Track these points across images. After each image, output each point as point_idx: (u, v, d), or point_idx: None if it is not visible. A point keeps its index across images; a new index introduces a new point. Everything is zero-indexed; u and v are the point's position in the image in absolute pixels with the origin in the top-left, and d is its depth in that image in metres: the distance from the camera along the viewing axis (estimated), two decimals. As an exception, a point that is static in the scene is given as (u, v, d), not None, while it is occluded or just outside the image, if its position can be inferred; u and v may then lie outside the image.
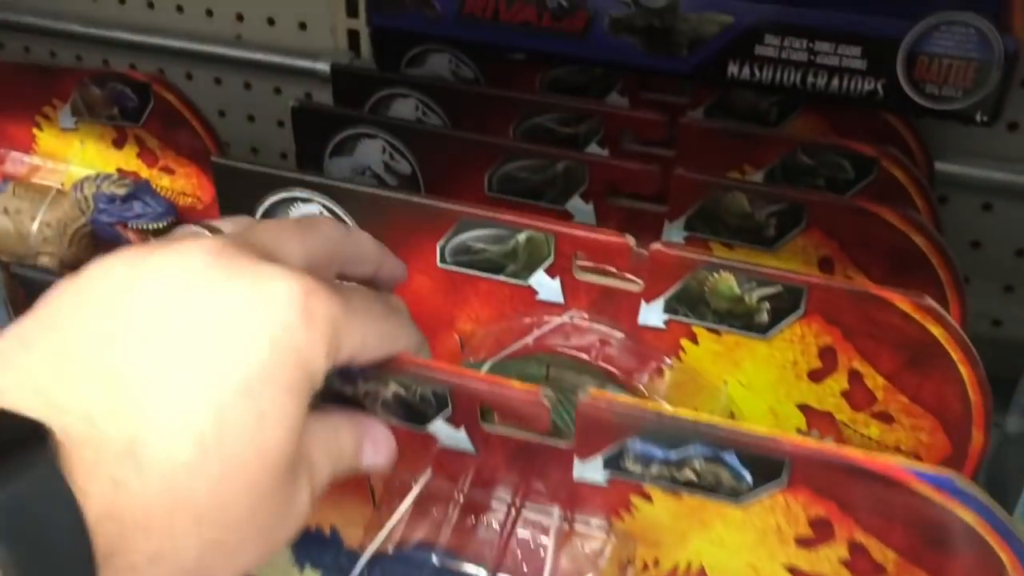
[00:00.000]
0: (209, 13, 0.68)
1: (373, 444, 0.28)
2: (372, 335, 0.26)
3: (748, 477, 0.27)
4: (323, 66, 0.63)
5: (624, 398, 0.29)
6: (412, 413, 0.30)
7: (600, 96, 0.55)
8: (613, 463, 0.29)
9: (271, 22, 0.66)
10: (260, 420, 0.22)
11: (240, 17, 0.67)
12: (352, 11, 0.62)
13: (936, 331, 0.34)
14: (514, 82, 0.55)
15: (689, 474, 0.28)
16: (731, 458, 0.27)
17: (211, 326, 0.22)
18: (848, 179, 0.46)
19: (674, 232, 0.41)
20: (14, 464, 0.18)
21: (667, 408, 0.29)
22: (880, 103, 0.47)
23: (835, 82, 0.48)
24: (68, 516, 0.18)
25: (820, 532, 0.28)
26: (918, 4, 0.48)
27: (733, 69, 0.49)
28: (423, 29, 0.54)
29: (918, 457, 0.37)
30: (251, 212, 0.42)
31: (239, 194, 0.41)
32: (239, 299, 0.22)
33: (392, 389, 0.30)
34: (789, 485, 0.27)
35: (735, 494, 0.28)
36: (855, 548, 0.28)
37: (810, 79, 0.48)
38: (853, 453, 0.26)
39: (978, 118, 0.46)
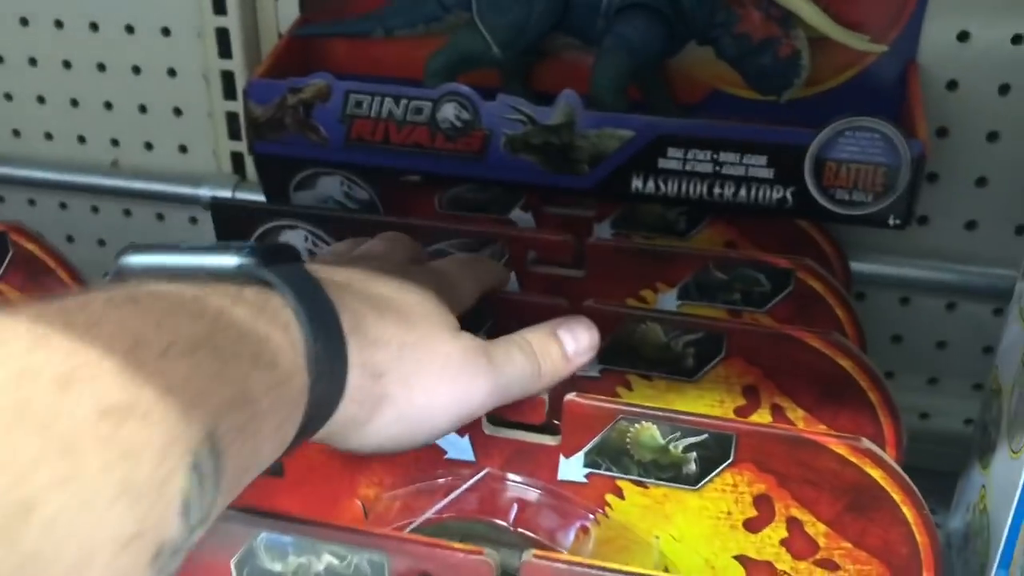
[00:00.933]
0: (82, 139, 0.64)
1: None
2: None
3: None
4: (206, 192, 0.59)
5: (566, 557, 0.29)
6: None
7: (503, 212, 0.52)
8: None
9: (149, 147, 0.62)
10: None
11: (115, 142, 0.63)
12: (234, 134, 0.58)
13: (875, 473, 0.32)
14: (412, 201, 0.52)
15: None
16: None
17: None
18: (764, 292, 0.44)
19: (589, 366, 0.38)
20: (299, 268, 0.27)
21: (610, 565, 0.28)
22: (790, 211, 0.46)
23: (743, 192, 0.46)
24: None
25: None
26: (820, 112, 0.47)
27: (637, 183, 0.47)
28: (309, 154, 0.50)
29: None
30: None
31: None
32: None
33: (324, 561, 0.29)
34: None
35: None
36: None
37: (717, 190, 0.46)
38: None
39: (891, 222, 0.45)
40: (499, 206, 0.52)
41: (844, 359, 0.35)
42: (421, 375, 0.29)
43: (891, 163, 0.44)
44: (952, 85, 0.49)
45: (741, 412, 0.36)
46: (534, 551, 0.29)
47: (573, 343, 0.34)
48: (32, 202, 0.67)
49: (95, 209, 0.66)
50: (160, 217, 0.65)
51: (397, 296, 0.30)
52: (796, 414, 0.35)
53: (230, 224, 0.48)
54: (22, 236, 0.46)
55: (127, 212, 0.65)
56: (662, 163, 0.46)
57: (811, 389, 0.35)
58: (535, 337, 0.33)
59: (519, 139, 0.47)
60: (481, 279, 0.38)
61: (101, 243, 0.67)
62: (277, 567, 0.30)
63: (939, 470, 0.46)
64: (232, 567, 0.31)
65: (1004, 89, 0.48)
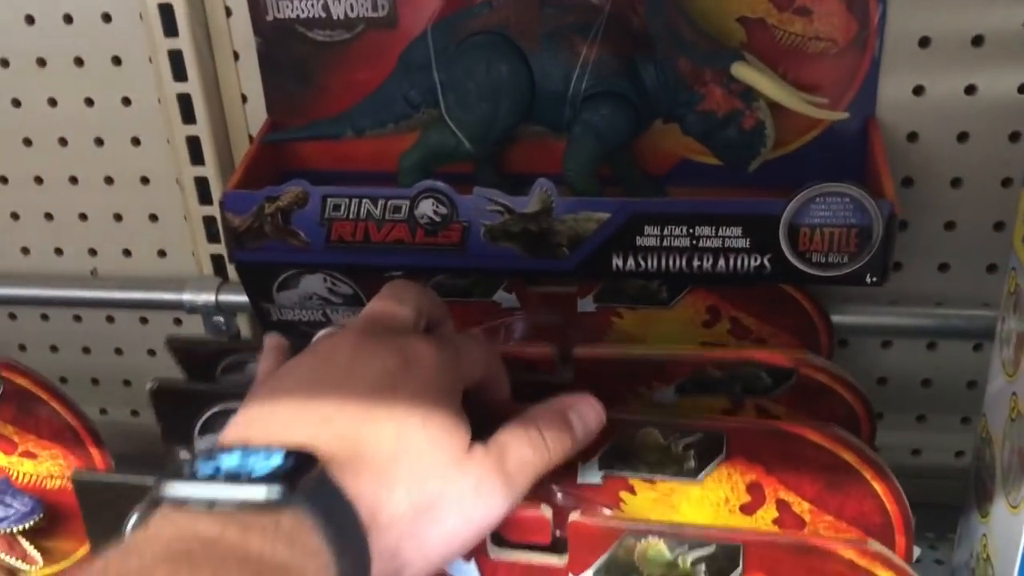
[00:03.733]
0: (59, 252, 0.64)
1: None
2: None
3: None
4: (189, 296, 0.59)
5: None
6: None
7: (487, 295, 0.53)
8: None
9: (127, 253, 0.62)
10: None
11: (93, 252, 0.63)
12: (213, 237, 0.59)
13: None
14: (395, 293, 0.53)
15: None
16: None
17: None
18: (766, 386, 0.45)
19: (589, 473, 0.38)
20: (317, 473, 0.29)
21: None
22: (769, 277, 0.47)
23: (721, 262, 0.47)
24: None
25: None
26: (787, 173, 0.49)
27: (617, 262, 0.48)
28: (291, 259, 0.51)
29: None
30: (118, 524, 0.38)
31: (104, 509, 0.37)
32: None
33: None
34: None
35: None
36: None
37: (695, 262, 0.47)
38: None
39: (868, 280, 0.46)
40: (482, 289, 0.53)
41: (846, 452, 0.35)
42: (436, 532, 0.30)
43: (863, 224, 0.45)
44: (912, 137, 0.50)
45: (746, 509, 0.36)
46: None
47: (582, 428, 0.36)
48: (13, 316, 0.67)
49: (77, 318, 0.66)
50: (144, 321, 0.65)
51: (406, 444, 0.31)
52: (802, 507, 0.36)
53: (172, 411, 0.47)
54: (13, 371, 0.46)
55: (110, 319, 0.65)
56: (640, 240, 0.47)
57: (815, 482, 0.35)
58: (546, 423, 0.35)
59: (498, 228, 0.48)
60: (488, 352, 0.40)
61: (86, 350, 0.67)
62: None
63: (936, 502, 0.47)
64: None
65: (963, 137, 0.50)
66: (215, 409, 0.43)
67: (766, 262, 0.46)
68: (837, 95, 0.49)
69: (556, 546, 0.36)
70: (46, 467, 0.48)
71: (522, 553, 0.35)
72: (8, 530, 0.45)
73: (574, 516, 0.33)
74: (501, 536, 0.35)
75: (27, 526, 0.45)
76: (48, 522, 0.47)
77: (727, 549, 0.32)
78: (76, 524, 0.46)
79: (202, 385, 0.46)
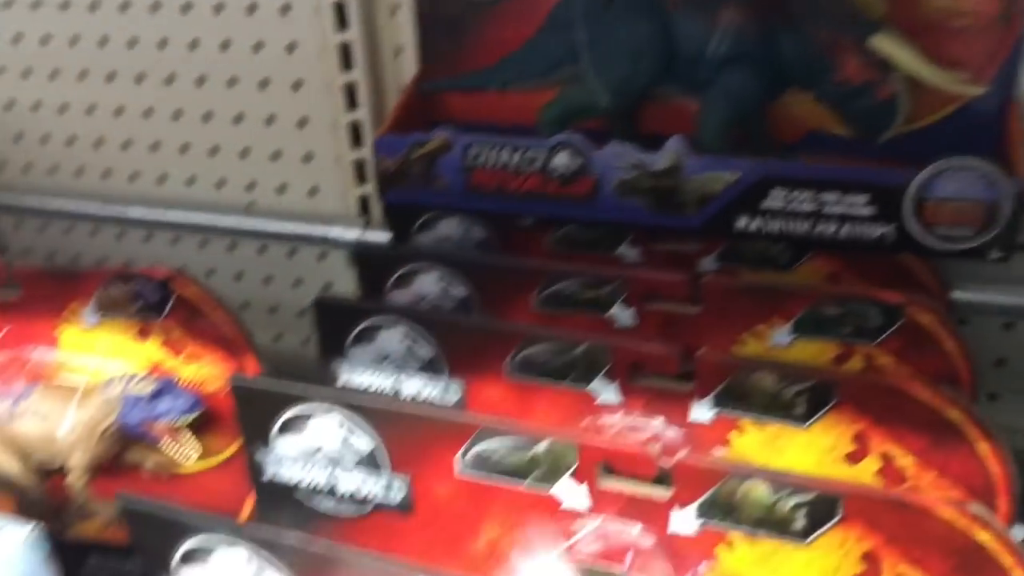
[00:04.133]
0: (221, 184, 0.69)
1: None
2: None
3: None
4: (336, 232, 0.64)
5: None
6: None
7: (611, 249, 0.55)
8: None
9: (282, 190, 0.68)
10: None
11: (251, 186, 0.69)
12: (361, 178, 0.63)
13: (984, 537, 0.34)
14: (525, 240, 0.56)
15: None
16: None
17: None
18: (876, 327, 0.46)
19: (703, 410, 0.41)
20: None
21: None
22: (891, 247, 0.48)
23: (844, 229, 0.48)
24: None
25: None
26: (917, 148, 0.49)
27: (741, 222, 0.49)
28: (434, 201, 0.55)
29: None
30: (268, 427, 0.42)
31: (257, 412, 0.42)
32: None
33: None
34: None
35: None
36: None
37: (819, 228, 0.48)
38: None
39: (992, 255, 0.46)
40: (607, 243, 0.56)
41: (952, 409, 0.36)
42: None
43: (992, 199, 0.45)
44: (1051, 118, 0.50)
45: (851, 458, 0.38)
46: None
47: None
48: (175, 241, 0.73)
49: (232, 246, 0.72)
50: (292, 253, 0.70)
51: None
52: (906, 461, 0.37)
53: (370, 269, 0.53)
54: (184, 283, 0.52)
55: (262, 249, 0.71)
56: (765, 203, 0.49)
57: (920, 437, 0.36)
58: None
59: (628, 183, 0.50)
60: None
61: (237, 277, 0.73)
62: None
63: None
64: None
65: (1103, 119, 0.49)
66: (367, 323, 0.47)
67: (889, 232, 0.47)
68: (977, 72, 0.49)
69: (661, 479, 0.38)
70: (207, 371, 0.53)
71: (628, 484, 0.37)
72: (173, 422, 0.51)
73: (681, 455, 0.35)
74: (610, 466, 0.38)
75: (189, 420, 0.51)
76: (205, 420, 0.52)
77: (827, 498, 0.33)
78: (229, 424, 0.52)
79: (360, 301, 0.51)
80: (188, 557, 0.37)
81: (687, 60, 0.49)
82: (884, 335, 0.46)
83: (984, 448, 0.36)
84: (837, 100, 0.49)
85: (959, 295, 0.52)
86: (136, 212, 0.70)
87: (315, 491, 0.43)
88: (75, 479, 0.52)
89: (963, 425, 0.37)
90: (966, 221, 0.46)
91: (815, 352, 0.45)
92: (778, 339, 0.47)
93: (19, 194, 0.74)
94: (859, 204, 0.47)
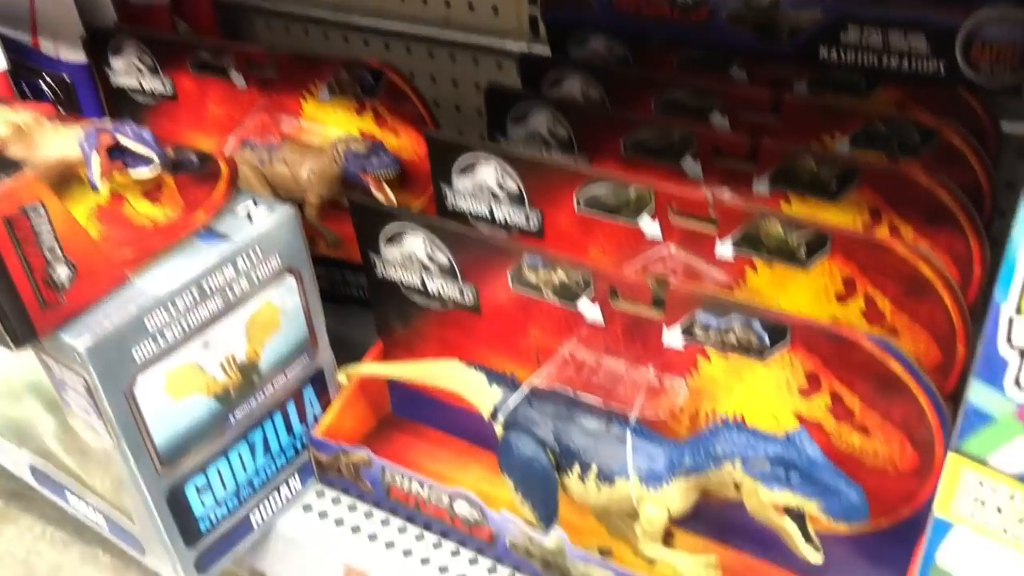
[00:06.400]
0: (425, 0, 0.86)
1: None
2: None
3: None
4: (511, 44, 0.80)
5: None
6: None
7: (723, 70, 0.69)
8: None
9: (471, 7, 0.84)
10: None
11: (448, 3, 0.85)
12: (532, 0, 0.78)
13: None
14: (656, 58, 0.70)
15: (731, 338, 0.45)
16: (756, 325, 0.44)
17: None
18: (915, 144, 0.58)
19: (761, 186, 0.55)
20: None
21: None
22: (943, 80, 0.59)
23: (905, 64, 0.60)
24: None
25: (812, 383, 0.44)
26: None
27: (824, 53, 0.62)
28: (584, 19, 0.69)
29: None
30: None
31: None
32: None
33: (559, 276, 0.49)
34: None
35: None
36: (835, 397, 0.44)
37: (885, 61, 0.60)
38: (833, 326, 0.41)
39: (1026, 91, 0.57)
40: (721, 65, 0.68)
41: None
42: None
43: (1027, 43, 0.55)
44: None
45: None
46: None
47: None
48: (387, 47, 0.91)
49: (431, 54, 0.89)
50: (475, 62, 0.87)
51: None
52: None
53: (532, 72, 0.68)
54: (392, 72, 0.69)
55: (452, 57, 0.88)
56: (843, 37, 0.61)
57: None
58: None
59: (736, 14, 0.63)
60: None
61: (432, 79, 0.90)
62: (532, 278, 0.52)
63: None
64: (508, 277, 0.53)
65: None
66: (524, 107, 0.63)
67: (941, 67, 0.59)
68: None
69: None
70: (403, 143, 0.71)
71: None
72: (379, 174, 0.69)
73: (723, 195, 0.50)
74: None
75: (391, 174, 0.69)
76: (400, 178, 0.71)
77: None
78: (415, 184, 0.70)
79: (526, 94, 0.66)
80: (390, 239, 0.56)
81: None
82: (921, 151, 0.58)
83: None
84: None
85: (1007, 127, 0.63)
86: (357, 20, 0.89)
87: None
88: (310, 210, 0.73)
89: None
90: (1006, 61, 0.57)
91: (869, 158, 0.56)
92: (839, 148, 0.60)
93: (272, 1, 0.94)
94: (918, 42, 0.59)
